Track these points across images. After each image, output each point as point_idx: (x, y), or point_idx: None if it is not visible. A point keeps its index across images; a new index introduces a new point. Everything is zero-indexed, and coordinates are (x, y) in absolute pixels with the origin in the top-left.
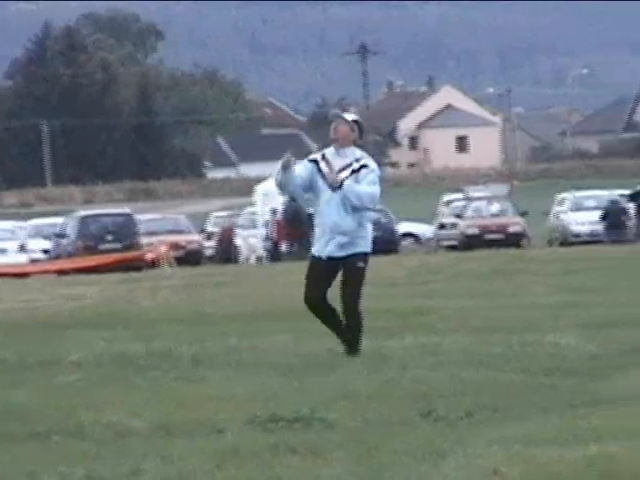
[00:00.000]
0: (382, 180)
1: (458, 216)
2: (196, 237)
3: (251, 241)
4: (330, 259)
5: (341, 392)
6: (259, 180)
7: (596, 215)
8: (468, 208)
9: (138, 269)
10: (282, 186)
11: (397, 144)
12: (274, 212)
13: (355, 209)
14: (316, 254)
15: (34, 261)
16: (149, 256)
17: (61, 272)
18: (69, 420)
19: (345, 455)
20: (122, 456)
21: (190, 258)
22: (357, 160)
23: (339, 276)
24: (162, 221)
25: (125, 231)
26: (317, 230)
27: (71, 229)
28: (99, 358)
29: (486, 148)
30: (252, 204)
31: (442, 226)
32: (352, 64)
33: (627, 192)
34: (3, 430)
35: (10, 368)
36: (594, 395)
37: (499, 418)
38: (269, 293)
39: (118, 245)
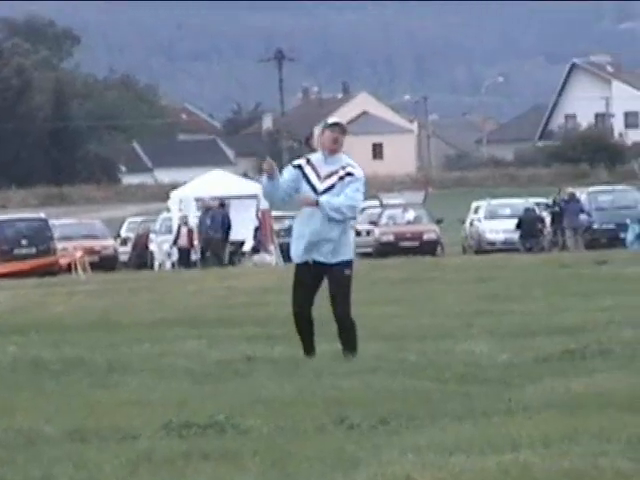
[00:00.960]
0: (363, 186)
1: (373, 223)
2: (111, 242)
3: (165, 247)
4: (317, 264)
5: (255, 398)
6: (174, 186)
7: (511, 223)
8: (383, 215)
9: (53, 274)
10: (269, 196)
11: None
12: (185, 220)
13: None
14: (301, 260)
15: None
16: (63, 261)
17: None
18: None
19: (259, 461)
20: (34, 462)
21: (105, 263)
22: (343, 167)
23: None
24: (77, 226)
25: (40, 236)
26: (299, 236)
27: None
28: (12, 363)
29: (401, 155)
30: (167, 210)
31: (357, 233)
32: (267, 70)
33: (544, 200)
34: None
35: None
36: (508, 403)
37: (413, 426)
38: (181, 299)
39: (33, 250)
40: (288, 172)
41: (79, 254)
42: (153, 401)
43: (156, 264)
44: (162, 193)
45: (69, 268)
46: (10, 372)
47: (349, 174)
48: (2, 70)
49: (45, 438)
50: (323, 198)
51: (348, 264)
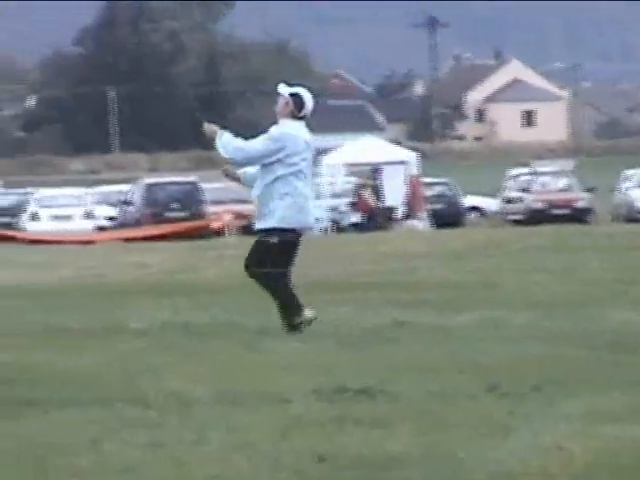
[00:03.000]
0: (273, 139)
1: (525, 190)
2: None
3: (320, 212)
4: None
5: (405, 364)
6: (325, 151)
7: None
8: (535, 183)
9: (203, 238)
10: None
11: (464, 117)
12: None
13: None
14: None
15: (100, 228)
16: (214, 225)
17: (127, 239)
18: (132, 387)
19: (409, 428)
20: (186, 424)
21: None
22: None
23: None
24: (227, 190)
25: (191, 199)
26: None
27: (137, 197)
28: (163, 326)
29: (553, 123)
30: (316, 174)
31: (508, 200)
32: (419, 35)
33: None
34: (66, 396)
35: (74, 335)
36: None
37: (564, 394)
38: (332, 264)
39: (184, 213)
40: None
41: (229, 218)
42: (303, 366)
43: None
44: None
45: (220, 232)
46: (161, 335)
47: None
48: (154, 33)
49: (197, 401)
50: (225, 134)
51: (264, 230)
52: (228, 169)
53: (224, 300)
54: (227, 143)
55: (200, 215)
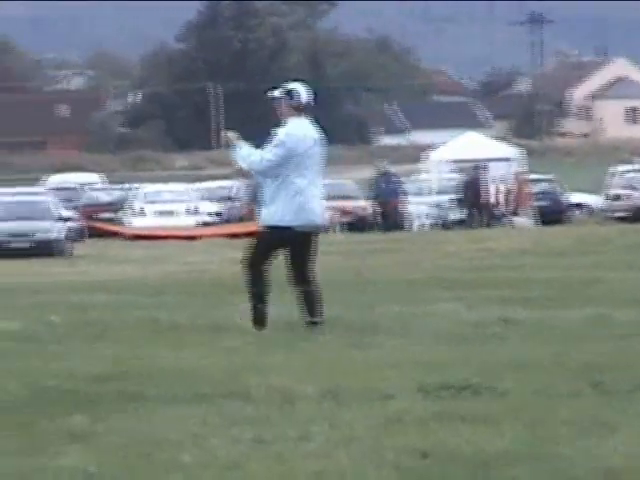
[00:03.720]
0: (282, 144)
1: (630, 187)
2: (364, 203)
3: (419, 208)
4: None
5: (510, 361)
6: (430, 147)
7: None
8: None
9: None
10: (243, 164)
11: (567, 114)
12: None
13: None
14: None
15: (204, 224)
16: None
17: (231, 236)
18: (236, 383)
19: (513, 425)
20: (290, 420)
21: (358, 224)
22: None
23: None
24: (331, 186)
25: None
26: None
27: (242, 193)
28: (267, 322)
29: None
30: (422, 171)
31: (613, 197)
32: (520, 33)
33: None
34: (171, 392)
35: (179, 330)
36: None
37: None
38: (436, 260)
39: None
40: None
41: (334, 214)
42: (407, 362)
43: (414, 225)
44: (417, 155)
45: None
46: (265, 331)
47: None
48: (257, 30)
49: (301, 397)
50: (243, 148)
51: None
52: (242, 168)
53: (329, 296)
54: (246, 155)
55: None
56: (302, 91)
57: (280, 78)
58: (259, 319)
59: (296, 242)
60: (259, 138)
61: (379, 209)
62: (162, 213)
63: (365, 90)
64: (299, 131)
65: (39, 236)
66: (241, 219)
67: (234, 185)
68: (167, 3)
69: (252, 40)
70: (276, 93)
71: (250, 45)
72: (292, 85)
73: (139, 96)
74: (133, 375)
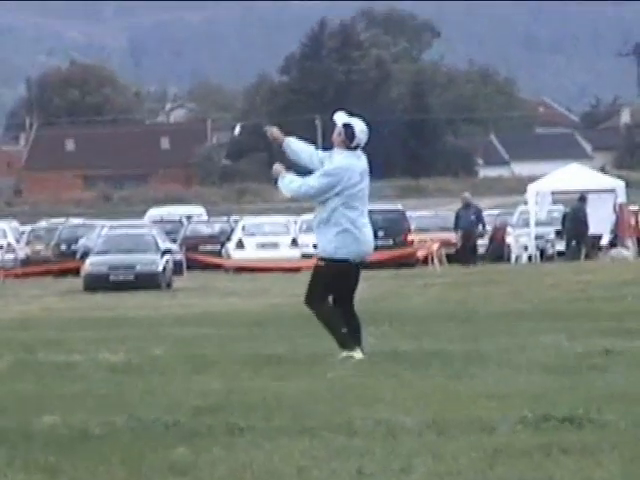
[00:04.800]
0: (330, 175)
1: None
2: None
3: (523, 240)
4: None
5: (612, 392)
6: (532, 179)
7: None
8: None
9: (409, 266)
10: (293, 156)
11: None
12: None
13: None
14: None
15: (305, 256)
16: (420, 253)
17: None
18: (340, 415)
19: (618, 457)
20: (393, 453)
21: (461, 255)
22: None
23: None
24: (433, 218)
25: (397, 227)
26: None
27: None
28: (370, 354)
29: None
30: (524, 203)
31: None
32: (626, 64)
33: None
34: (275, 424)
35: (282, 362)
36: None
37: None
38: (538, 292)
39: (390, 241)
40: (322, 152)
41: (436, 246)
42: (510, 394)
43: (513, 257)
44: (519, 186)
45: (425, 260)
46: (368, 363)
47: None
48: (361, 61)
49: (404, 429)
50: (287, 177)
51: (322, 259)
52: (274, 132)
53: (431, 328)
54: (289, 182)
55: (405, 243)
56: (358, 131)
57: (383, 109)
58: (349, 341)
59: (349, 274)
60: None
61: (462, 241)
62: (264, 245)
63: (467, 121)
64: (346, 163)
65: (142, 269)
66: None
67: None
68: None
69: (355, 72)
70: (337, 119)
71: (353, 77)
72: (353, 121)
73: (242, 128)
74: (236, 407)
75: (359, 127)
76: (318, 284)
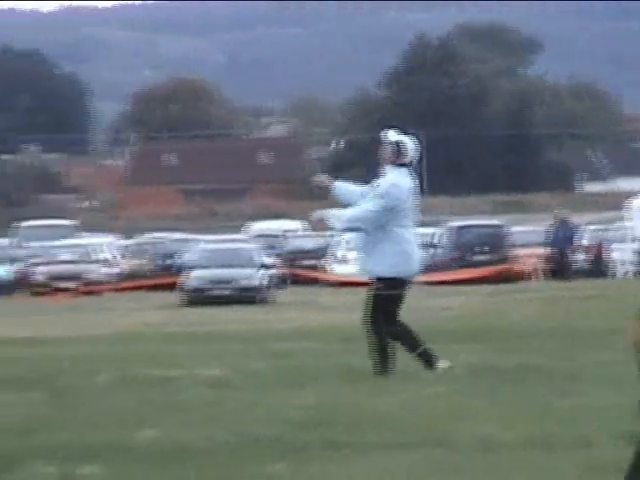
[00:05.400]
0: (386, 196)
1: None
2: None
3: (622, 255)
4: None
5: None
6: (633, 194)
7: None
8: None
9: (508, 281)
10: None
11: None
12: None
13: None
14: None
15: None
16: (521, 268)
17: (432, 283)
18: (438, 431)
19: None
20: (491, 468)
21: (555, 272)
22: (379, 178)
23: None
24: (533, 233)
25: (497, 243)
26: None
27: (444, 239)
28: (468, 370)
29: None
30: (626, 218)
31: None
32: None
33: None
34: (373, 439)
35: (379, 377)
36: None
37: None
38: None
39: (489, 257)
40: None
41: (535, 261)
42: (610, 408)
43: (616, 272)
44: (620, 201)
45: (526, 275)
46: (467, 378)
47: (378, 185)
48: (461, 77)
49: (503, 444)
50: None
51: (379, 280)
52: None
53: (531, 344)
54: (340, 216)
55: (506, 258)
56: (410, 149)
57: (483, 125)
58: (432, 358)
59: (403, 293)
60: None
61: (556, 257)
62: None
63: (569, 137)
64: (398, 181)
65: (241, 283)
66: (444, 266)
67: (436, 232)
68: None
69: (455, 87)
70: (389, 137)
71: (453, 92)
72: (404, 138)
73: (341, 143)
74: (336, 422)
75: (410, 144)
76: (385, 306)
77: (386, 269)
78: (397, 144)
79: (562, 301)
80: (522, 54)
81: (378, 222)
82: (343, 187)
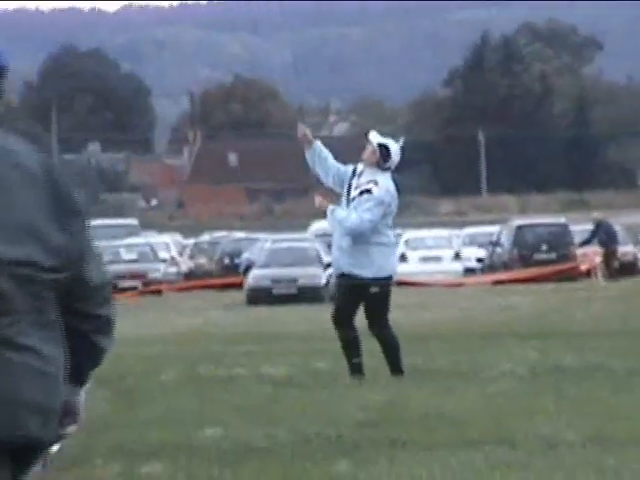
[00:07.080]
0: (382, 203)
1: None
2: (630, 248)
3: None
4: (341, 275)
5: None
6: None
7: None
8: None
9: (572, 279)
10: (309, 162)
11: None
12: None
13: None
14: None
15: (469, 270)
16: (583, 267)
17: (495, 282)
18: (501, 429)
19: None
20: (554, 466)
21: (625, 269)
22: (368, 182)
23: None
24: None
25: (560, 241)
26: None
27: (506, 238)
28: (532, 368)
29: None
30: None
31: None
32: None
33: None
34: (436, 438)
35: (444, 376)
36: None
37: None
38: None
39: (553, 255)
40: (345, 167)
41: (599, 260)
42: None
43: None
44: None
45: (589, 274)
46: (531, 377)
47: (368, 191)
48: (523, 75)
49: (566, 443)
50: (329, 209)
51: (375, 280)
52: (305, 132)
53: (594, 342)
54: (342, 220)
55: (569, 257)
56: (394, 154)
57: (546, 124)
58: (362, 371)
59: (386, 291)
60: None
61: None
62: (427, 259)
63: (629, 136)
64: (390, 186)
65: (304, 282)
66: (506, 265)
67: (497, 231)
68: (429, 49)
69: (518, 86)
70: (373, 138)
71: (516, 91)
72: (391, 143)
73: (404, 142)
74: (398, 421)
75: (394, 148)
76: (384, 306)
77: (375, 270)
78: (385, 148)
79: (626, 299)
80: (582, 53)
81: (374, 228)
82: (324, 150)
